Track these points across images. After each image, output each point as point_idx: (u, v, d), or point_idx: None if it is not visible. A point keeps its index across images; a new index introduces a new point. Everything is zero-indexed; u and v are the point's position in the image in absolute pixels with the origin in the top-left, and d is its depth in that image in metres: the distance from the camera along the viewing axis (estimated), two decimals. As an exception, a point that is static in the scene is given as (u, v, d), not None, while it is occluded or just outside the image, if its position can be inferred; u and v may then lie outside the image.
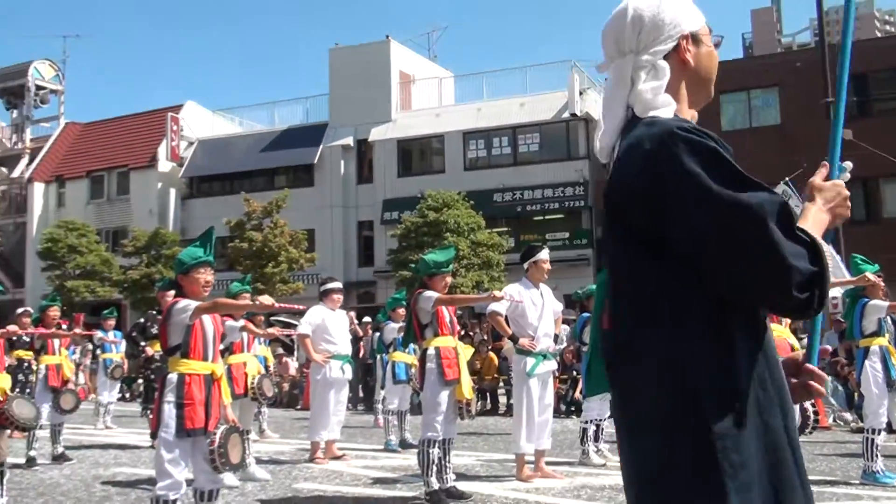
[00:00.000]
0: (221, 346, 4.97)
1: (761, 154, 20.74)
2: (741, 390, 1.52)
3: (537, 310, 7.13)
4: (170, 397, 4.36)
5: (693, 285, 1.55)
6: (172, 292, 4.66)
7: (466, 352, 7.24)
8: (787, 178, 15.31)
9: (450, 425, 6.38)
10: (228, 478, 5.65)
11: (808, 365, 1.71)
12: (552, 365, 7.31)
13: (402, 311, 10.18)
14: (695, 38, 1.78)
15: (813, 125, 18.26)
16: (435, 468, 6.17)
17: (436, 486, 6.15)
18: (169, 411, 4.33)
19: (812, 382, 1.69)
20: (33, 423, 6.22)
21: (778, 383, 1.58)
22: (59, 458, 8.73)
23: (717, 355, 1.53)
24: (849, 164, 1.94)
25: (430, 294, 6.39)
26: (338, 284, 9.05)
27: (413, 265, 15.17)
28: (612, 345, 1.70)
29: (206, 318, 4.54)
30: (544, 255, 7.28)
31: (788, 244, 1.47)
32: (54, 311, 9.14)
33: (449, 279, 6.68)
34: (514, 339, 7.13)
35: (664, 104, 1.71)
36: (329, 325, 8.56)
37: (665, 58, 1.74)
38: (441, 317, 6.48)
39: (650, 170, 1.56)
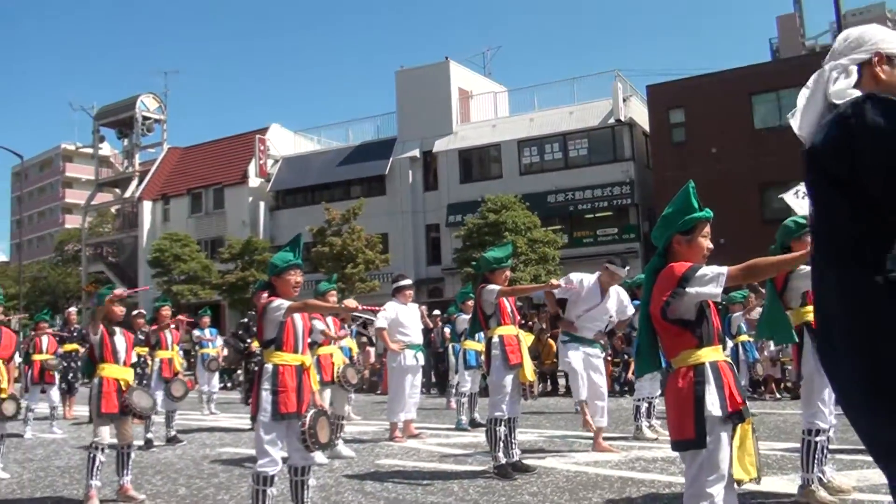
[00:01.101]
0: (309, 340, 5.05)
1: (791, 150, 20.08)
2: None
3: (590, 303, 7.06)
4: (266, 385, 4.43)
5: (881, 216, 1.63)
6: (266, 293, 4.74)
7: (527, 339, 7.19)
8: None
9: (514, 405, 6.35)
10: (318, 456, 5.72)
11: None
12: (593, 350, 7.22)
13: (471, 303, 10.14)
14: (890, 59, 1.88)
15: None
16: (502, 444, 6.16)
17: (503, 460, 6.14)
18: (266, 397, 4.41)
19: None
20: (150, 412, 6.42)
21: None
22: (172, 441, 8.98)
23: None
24: None
25: (493, 287, 6.37)
26: (408, 281, 9.09)
27: (474, 262, 15.11)
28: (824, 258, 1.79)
29: (296, 316, 4.60)
30: (622, 272, 7.11)
31: None
32: (166, 311, 9.46)
33: (509, 273, 6.62)
34: (558, 317, 7.05)
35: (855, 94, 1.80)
36: (402, 318, 8.59)
37: (861, 69, 1.88)
38: (503, 307, 6.44)
39: (843, 123, 1.69)
